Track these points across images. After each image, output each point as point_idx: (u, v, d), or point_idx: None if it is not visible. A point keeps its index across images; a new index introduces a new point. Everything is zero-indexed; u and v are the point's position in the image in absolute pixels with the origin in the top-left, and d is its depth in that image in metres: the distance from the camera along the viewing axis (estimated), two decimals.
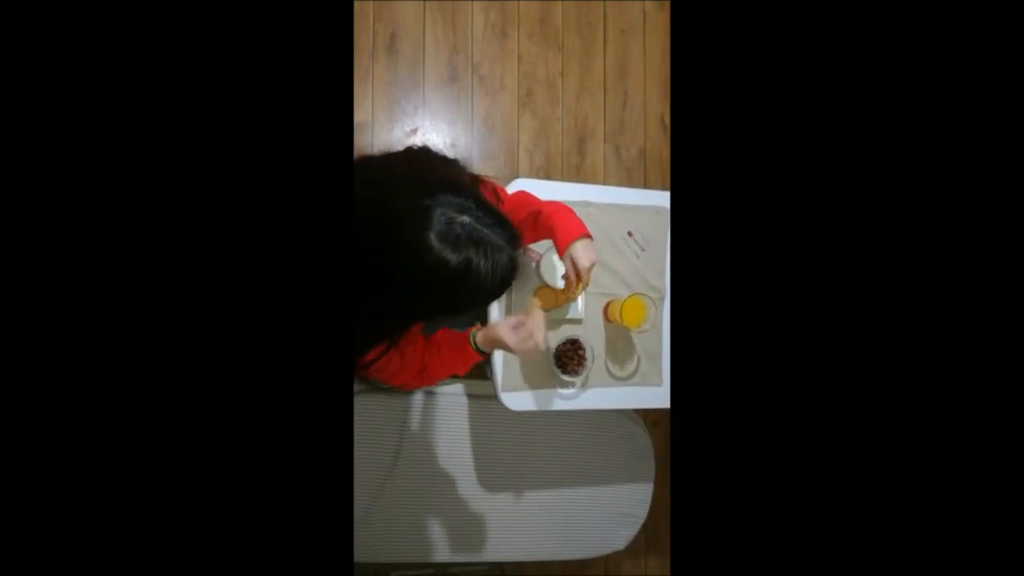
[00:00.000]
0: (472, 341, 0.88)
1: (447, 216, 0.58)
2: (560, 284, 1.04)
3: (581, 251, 0.86)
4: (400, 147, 1.63)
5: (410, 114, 1.67)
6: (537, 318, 0.83)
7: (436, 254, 0.58)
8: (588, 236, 0.87)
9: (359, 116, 1.63)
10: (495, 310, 1.06)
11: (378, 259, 0.59)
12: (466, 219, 0.59)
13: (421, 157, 0.73)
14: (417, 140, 1.66)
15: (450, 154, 1.65)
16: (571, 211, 0.90)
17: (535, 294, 1.07)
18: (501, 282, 0.62)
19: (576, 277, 0.87)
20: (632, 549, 1.38)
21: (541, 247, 1.07)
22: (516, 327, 0.84)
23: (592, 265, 0.87)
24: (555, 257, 1.06)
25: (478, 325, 0.91)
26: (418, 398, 1.21)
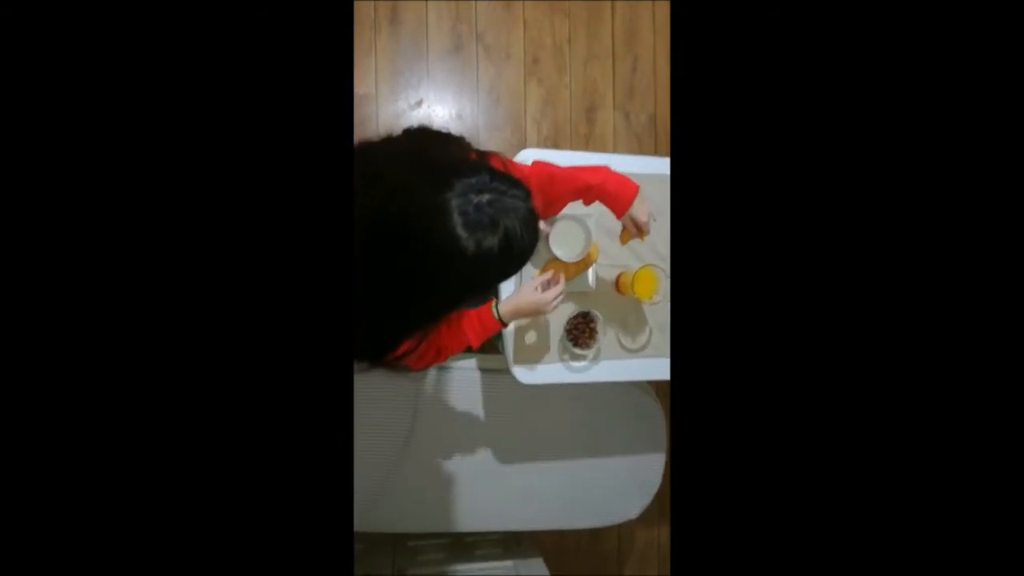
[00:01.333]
0: (496, 312, 0.91)
1: (469, 203, 0.57)
2: (569, 257, 1.03)
3: (637, 208, 0.92)
4: (402, 121, 1.63)
5: (414, 86, 1.63)
6: (559, 276, 0.93)
7: (475, 246, 0.57)
8: (637, 189, 0.93)
9: (362, 89, 1.60)
10: (508, 284, 1.06)
11: (418, 267, 0.59)
12: (486, 197, 0.58)
13: (423, 141, 0.71)
14: (422, 112, 1.63)
15: (455, 125, 1.64)
16: (613, 172, 0.94)
17: (544, 268, 1.06)
18: (534, 235, 0.63)
19: (639, 232, 0.95)
20: (645, 518, 1.40)
21: (550, 219, 1.06)
22: (543, 287, 0.92)
23: (650, 215, 0.95)
24: (564, 229, 1.04)
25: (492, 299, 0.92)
26: (431, 373, 1.22)
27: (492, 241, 0.58)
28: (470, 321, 0.91)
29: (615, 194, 0.91)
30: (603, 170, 0.92)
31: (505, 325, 0.91)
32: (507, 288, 1.05)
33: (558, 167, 0.93)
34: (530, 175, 0.90)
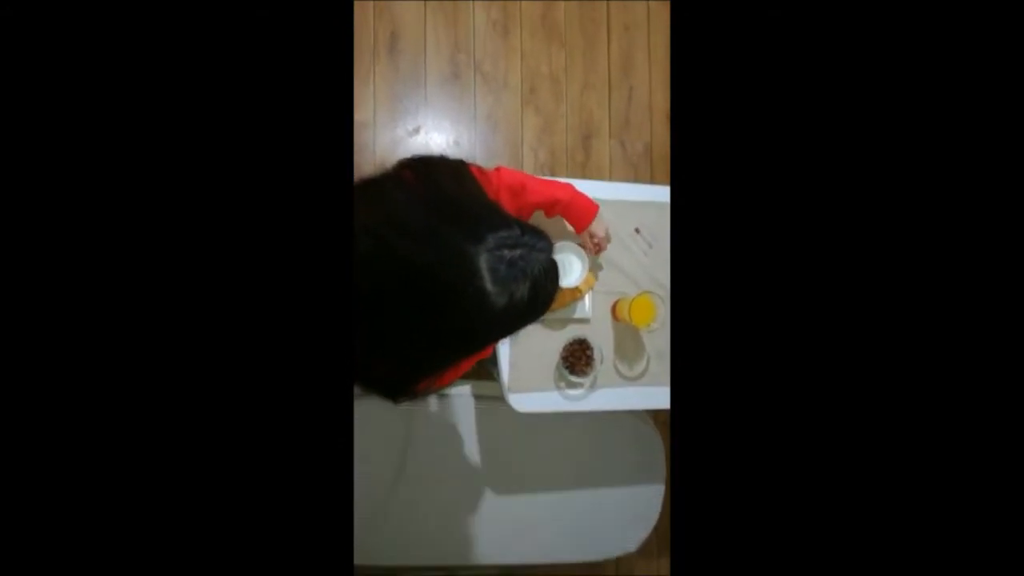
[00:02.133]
0: None
1: (501, 260, 0.56)
2: (567, 283, 1.03)
3: (596, 225, 1.00)
4: (400, 148, 1.64)
5: (412, 113, 1.65)
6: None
7: (507, 298, 0.56)
8: (598, 208, 1.00)
9: (361, 115, 1.62)
10: None
11: (449, 319, 0.58)
12: (517, 252, 0.57)
13: (429, 176, 0.70)
14: (420, 139, 1.65)
15: (453, 153, 1.66)
16: (578, 191, 0.99)
17: None
18: (556, 285, 0.63)
19: (597, 248, 1.03)
20: (644, 551, 1.36)
21: None
22: None
23: (607, 233, 1.02)
24: (562, 256, 1.04)
25: None
26: (425, 400, 1.20)
27: (522, 293, 0.57)
28: None
29: (581, 211, 0.99)
30: (570, 187, 0.98)
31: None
32: None
33: (528, 176, 0.94)
34: (501, 183, 0.90)
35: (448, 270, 0.55)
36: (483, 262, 0.55)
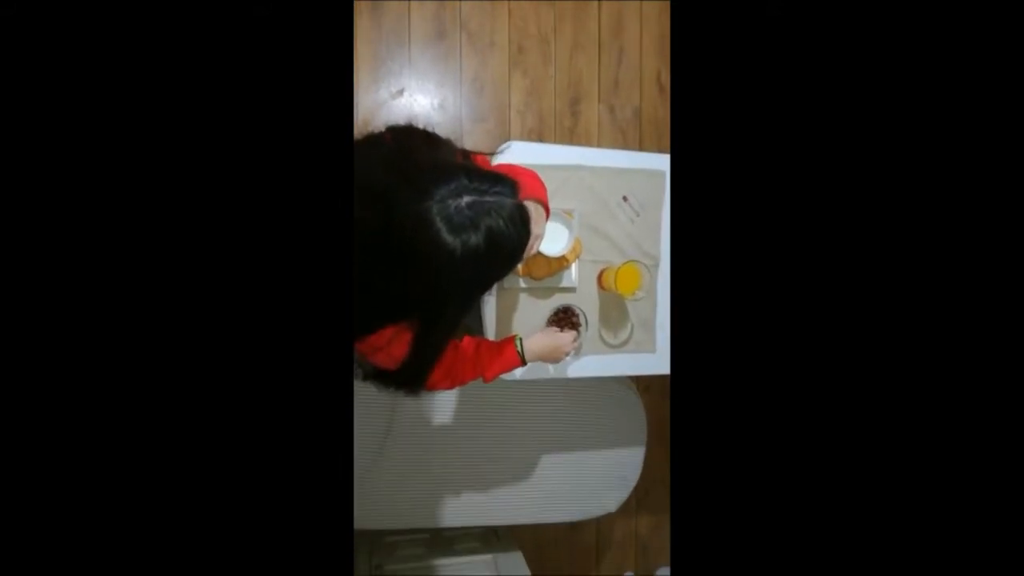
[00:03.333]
0: (519, 347, 0.91)
1: (448, 207, 0.57)
2: (554, 252, 1.02)
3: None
4: (383, 111, 1.60)
5: (395, 74, 1.60)
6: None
7: (461, 246, 0.57)
8: (542, 204, 0.79)
9: None
10: (489, 305, 1.04)
11: (409, 276, 0.60)
12: (466, 199, 0.58)
13: (409, 143, 0.70)
14: (403, 101, 1.60)
15: (438, 116, 1.61)
16: (537, 178, 0.84)
17: (527, 263, 1.05)
18: (524, 229, 0.63)
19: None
20: (623, 511, 1.41)
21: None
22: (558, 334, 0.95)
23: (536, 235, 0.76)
24: (549, 225, 1.03)
25: (513, 335, 0.94)
26: None
27: (477, 240, 0.57)
28: (486, 350, 0.90)
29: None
30: (530, 174, 0.84)
31: (525, 363, 0.92)
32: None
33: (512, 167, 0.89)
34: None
35: (401, 230, 0.57)
36: (435, 215, 0.56)
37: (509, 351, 0.91)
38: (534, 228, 0.73)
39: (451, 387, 0.88)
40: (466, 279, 0.61)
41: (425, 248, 0.57)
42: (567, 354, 0.96)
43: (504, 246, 0.60)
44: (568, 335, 0.96)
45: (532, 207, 0.77)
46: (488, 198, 0.59)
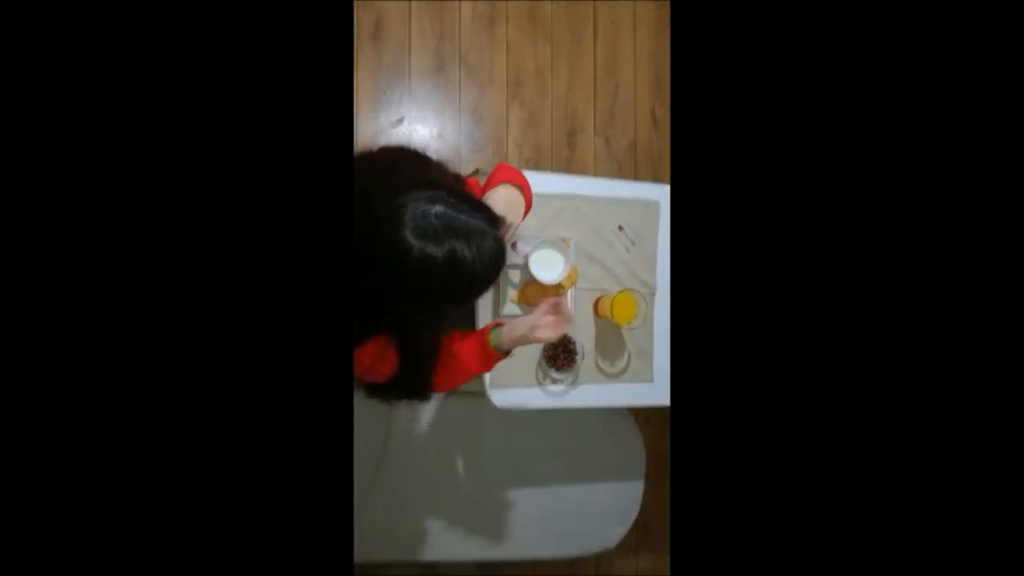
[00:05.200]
0: (494, 342, 0.83)
1: (420, 210, 0.57)
2: (550, 279, 1.02)
3: (496, 199, 0.77)
4: (382, 139, 1.62)
5: (395, 104, 1.63)
6: (561, 301, 0.83)
7: (419, 251, 0.57)
8: (520, 185, 0.79)
9: None
10: (483, 305, 1.04)
11: (375, 273, 0.59)
12: (439, 209, 0.58)
13: (396, 156, 0.71)
14: (403, 131, 1.62)
15: (437, 145, 1.64)
16: (519, 174, 0.84)
17: (522, 290, 1.05)
18: (492, 266, 0.61)
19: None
20: (623, 547, 1.37)
21: (530, 242, 1.05)
22: (547, 315, 0.82)
23: (508, 222, 0.74)
24: (544, 252, 1.03)
25: (494, 322, 0.87)
26: None
27: (435, 253, 0.57)
28: (466, 349, 0.86)
29: (495, 179, 0.82)
30: (514, 172, 0.86)
31: (505, 353, 0.85)
32: (483, 312, 1.03)
33: (507, 170, 0.88)
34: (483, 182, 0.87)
35: (369, 221, 0.57)
36: (406, 212, 0.57)
37: (483, 343, 0.84)
38: (509, 216, 0.73)
39: (452, 388, 0.86)
40: (429, 288, 0.60)
41: (386, 244, 0.57)
42: (548, 334, 0.83)
43: (462, 275, 0.59)
44: (540, 308, 0.83)
45: (510, 192, 0.79)
46: (462, 216, 0.58)
